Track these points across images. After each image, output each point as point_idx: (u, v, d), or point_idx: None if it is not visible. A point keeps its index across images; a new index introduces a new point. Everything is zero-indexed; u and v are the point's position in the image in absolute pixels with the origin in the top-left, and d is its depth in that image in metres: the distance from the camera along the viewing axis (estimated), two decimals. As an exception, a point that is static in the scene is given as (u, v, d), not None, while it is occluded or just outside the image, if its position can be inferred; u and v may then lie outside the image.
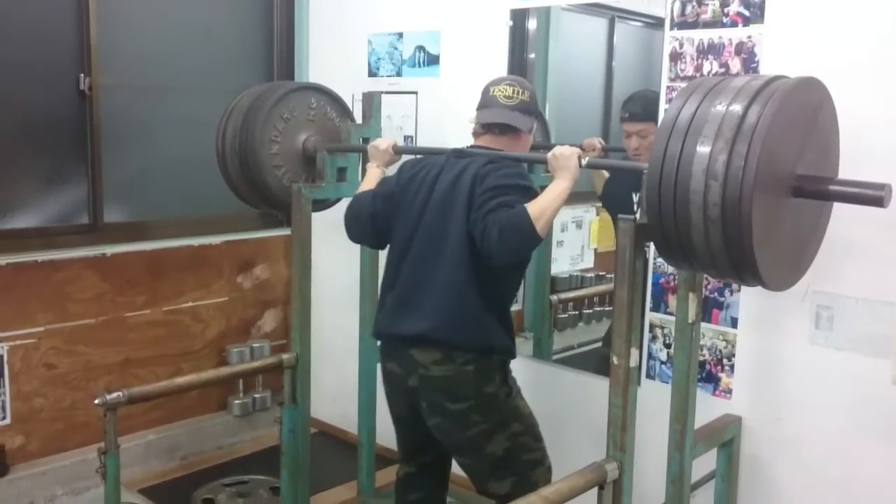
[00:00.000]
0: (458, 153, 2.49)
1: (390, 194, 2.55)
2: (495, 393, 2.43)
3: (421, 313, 2.40)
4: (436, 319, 2.37)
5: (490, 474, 2.48)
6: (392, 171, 2.77)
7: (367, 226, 2.57)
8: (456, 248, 2.36)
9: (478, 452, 2.46)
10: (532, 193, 2.31)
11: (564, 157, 2.28)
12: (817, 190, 1.85)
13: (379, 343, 2.61)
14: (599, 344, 3.48)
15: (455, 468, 2.69)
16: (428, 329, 2.38)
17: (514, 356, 2.52)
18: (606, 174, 3.22)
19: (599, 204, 3.76)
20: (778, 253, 1.84)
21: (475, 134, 2.57)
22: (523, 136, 2.54)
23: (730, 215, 1.68)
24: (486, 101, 2.52)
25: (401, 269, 2.48)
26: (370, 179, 2.72)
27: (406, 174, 2.56)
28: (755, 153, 1.66)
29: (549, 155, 2.32)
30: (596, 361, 3.18)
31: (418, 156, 2.72)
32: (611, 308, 2.11)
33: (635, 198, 3.08)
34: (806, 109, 1.83)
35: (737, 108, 1.72)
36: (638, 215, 1.90)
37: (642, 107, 2.93)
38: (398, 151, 2.78)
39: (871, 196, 1.79)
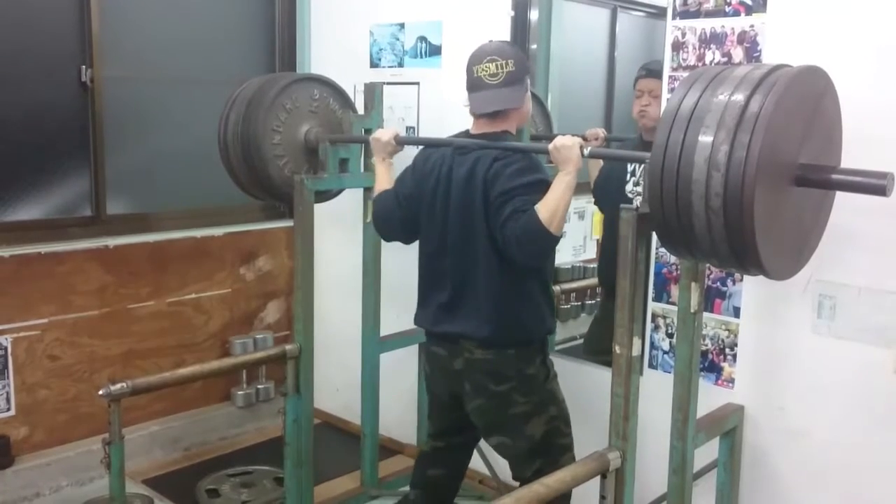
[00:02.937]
0: (461, 149, 2.50)
1: (411, 197, 2.61)
2: (535, 374, 2.54)
3: (462, 318, 2.52)
4: (477, 323, 2.49)
5: (527, 457, 2.56)
6: (397, 160, 2.78)
7: (398, 229, 2.70)
8: (484, 256, 2.45)
9: (518, 433, 2.54)
10: (543, 185, 2.33)
11: (566, 148, 2.29)
12: (819, 179, 1.85)
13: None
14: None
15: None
16: (472, 332, 2.51)
17: (552, 332, 2.66)
18: (601, 163, 3.22)
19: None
20: (780, 242, 1.84)
21: (473, 115, 2.57)
22: (521, 107, 2.55)
23: (732, 204, 1.68)
24: (473, 83, 2.51)
25: (437, 271, 2.57)
26: (382, 176, 2.74)
27: (419, 171, 2.61)
28: (757, 142, 1.65)
29: (551, 146, 2.32)
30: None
31: (421, 147, 2.72)
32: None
33: (628, 188, 3.09)
34: (808, 98, 1.83)
35: (739, 97, 1.71)
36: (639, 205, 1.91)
37: (660, 65, 2.92)
38: (400, 142, 2.76)
39: (873, 185, 1.79)
